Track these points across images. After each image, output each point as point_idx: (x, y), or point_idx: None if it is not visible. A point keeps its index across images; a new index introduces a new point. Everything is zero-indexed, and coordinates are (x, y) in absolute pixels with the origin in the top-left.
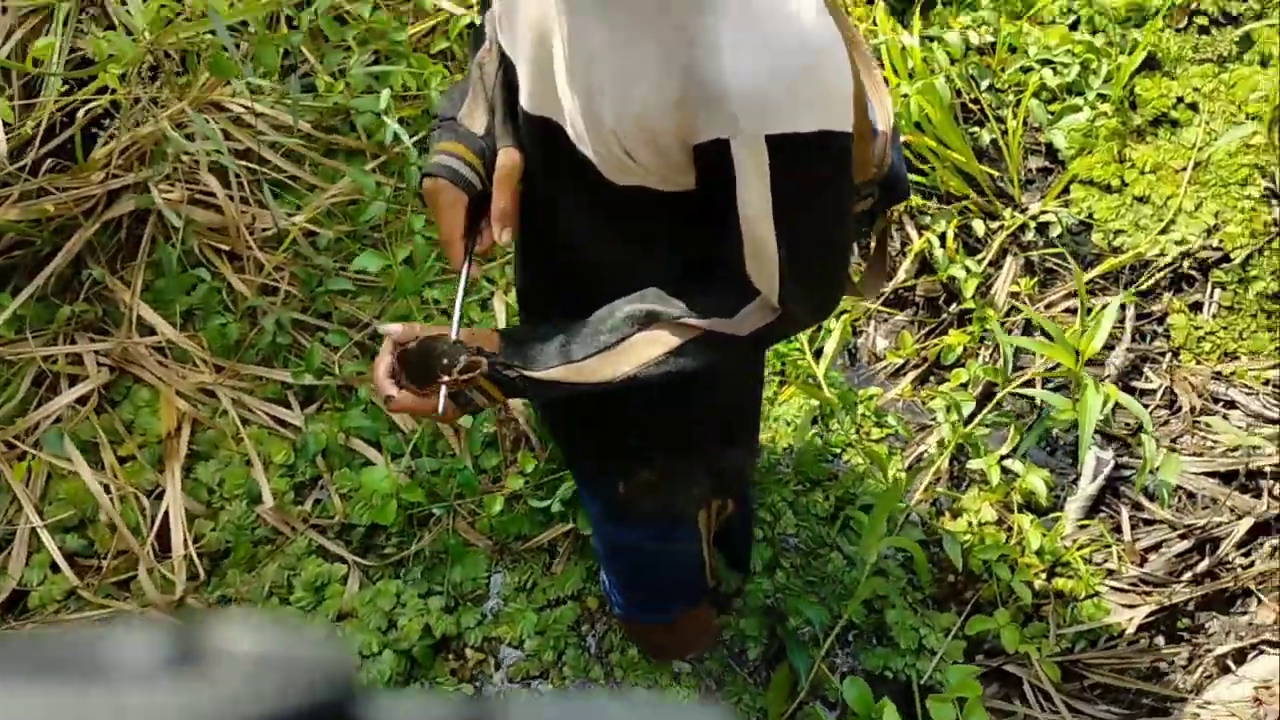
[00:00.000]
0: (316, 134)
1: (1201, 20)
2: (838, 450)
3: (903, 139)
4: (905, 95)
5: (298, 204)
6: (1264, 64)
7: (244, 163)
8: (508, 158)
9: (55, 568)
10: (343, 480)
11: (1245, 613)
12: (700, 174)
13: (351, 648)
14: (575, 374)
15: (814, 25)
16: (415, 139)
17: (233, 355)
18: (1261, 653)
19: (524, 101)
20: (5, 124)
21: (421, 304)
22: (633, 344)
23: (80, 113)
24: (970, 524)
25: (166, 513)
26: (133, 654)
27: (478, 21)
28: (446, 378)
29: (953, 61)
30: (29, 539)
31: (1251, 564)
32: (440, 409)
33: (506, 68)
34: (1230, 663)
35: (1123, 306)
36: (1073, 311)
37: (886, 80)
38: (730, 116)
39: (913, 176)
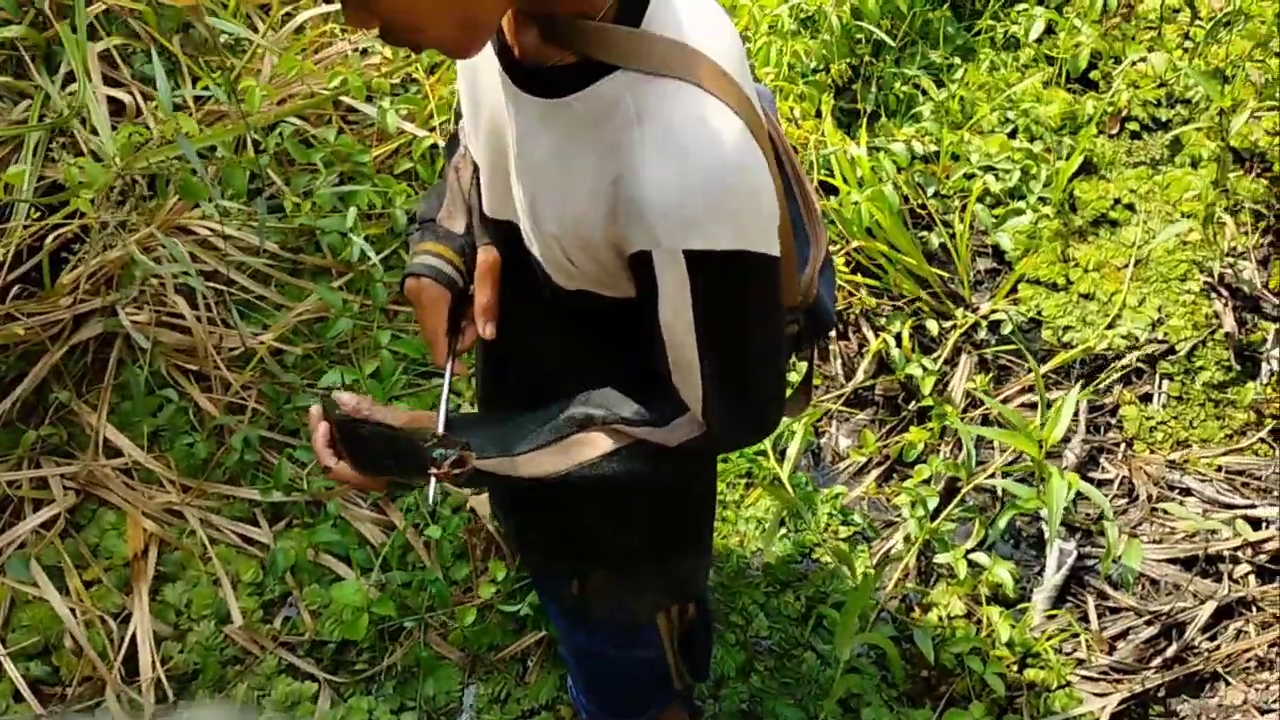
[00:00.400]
0: (283, 254)
1: (1133, 126)
2: (806, 550)
3: (856, 244)
4: (856, 202)
5: (265, 323)
6: (1195, 165)
7: (211, 284)
8: (488, 254)
9: (18, 696)
10: (312, 596)
11: (1215, 695)
12: (635, 284)
13: None
14: (510, 467)
15: (735, 147)
16: (381, 256)
17: (200, 474)
18: None
19: (485, 204)
20: None
21: None
22: (569, 444)
23: (49, 238)
24: (940, 618)
25: (134, 636)
26: None
27: (452, 130)
28: (436, 470)
29: (899, 170)
30: None
31: (1218, 647)
32: (431, 498)
33: (478, 171)
34: None
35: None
36: (1029, 406)
37: (835, 192)
38: (650, 229)
39: (867, 280)
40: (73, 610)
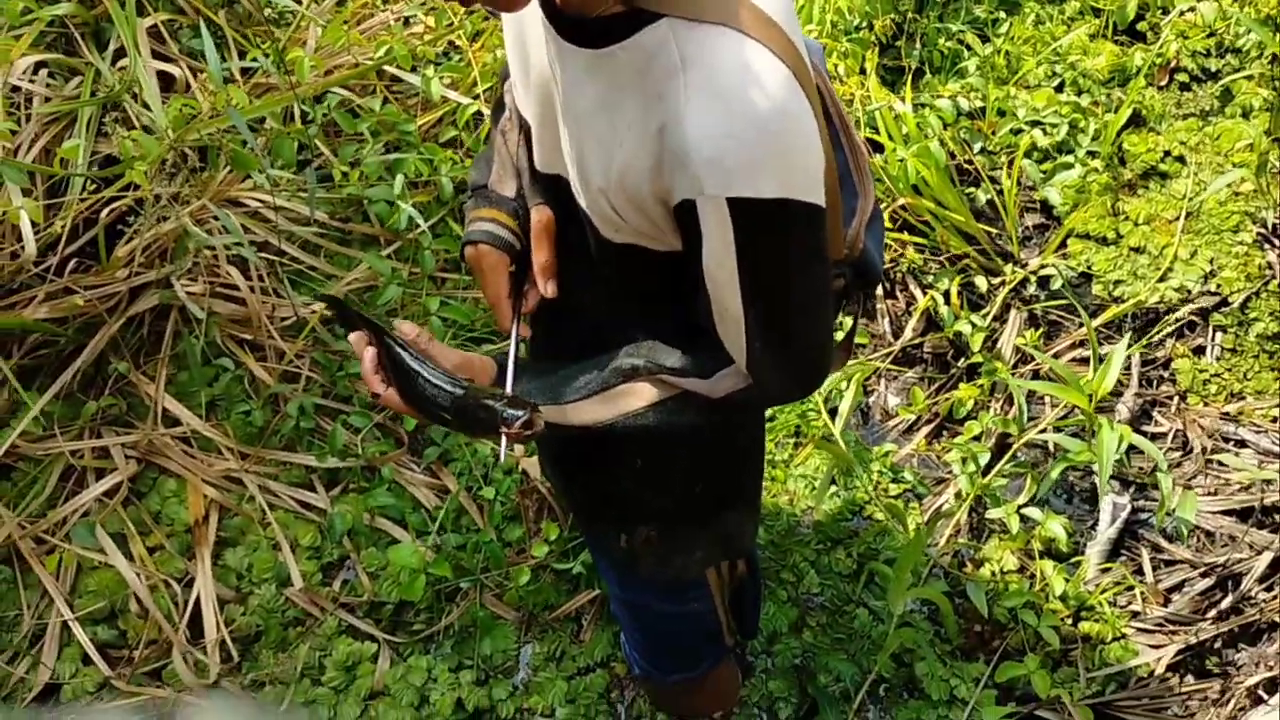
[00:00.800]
0: (332, 224)
1: (1182, 77)
2: (857, 508)
3: (902, 201)
4: (902, 159)
5: (316, 292)
6: (1246, 115)
7: (263, 254)
8: (541, 213)
9: (87, 659)
10: (370, 559)
11: (1273, 644)
12: (681, 236)
13: None
14: (558, 415)
15: (780, 94)
16: (429, 224)
17: (257, 442)
18: None
19: (536, 159)
20: (33, 224)
21: None
22: (615, 394)
23: (104, 212)
24: (993, 573)
25: (197, 599)
26: None
27: (497, 94)
28: (508, 430)
29: (945, 126)
30: (60, 633)
31: (1275, 597)
32: (503, 457)
33: (527, 130)
34: (1262, 693)
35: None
36: (1081, 361)
37: (882, 148)
38: (694, 178)
39: (915, 238)
40: (137, 575)
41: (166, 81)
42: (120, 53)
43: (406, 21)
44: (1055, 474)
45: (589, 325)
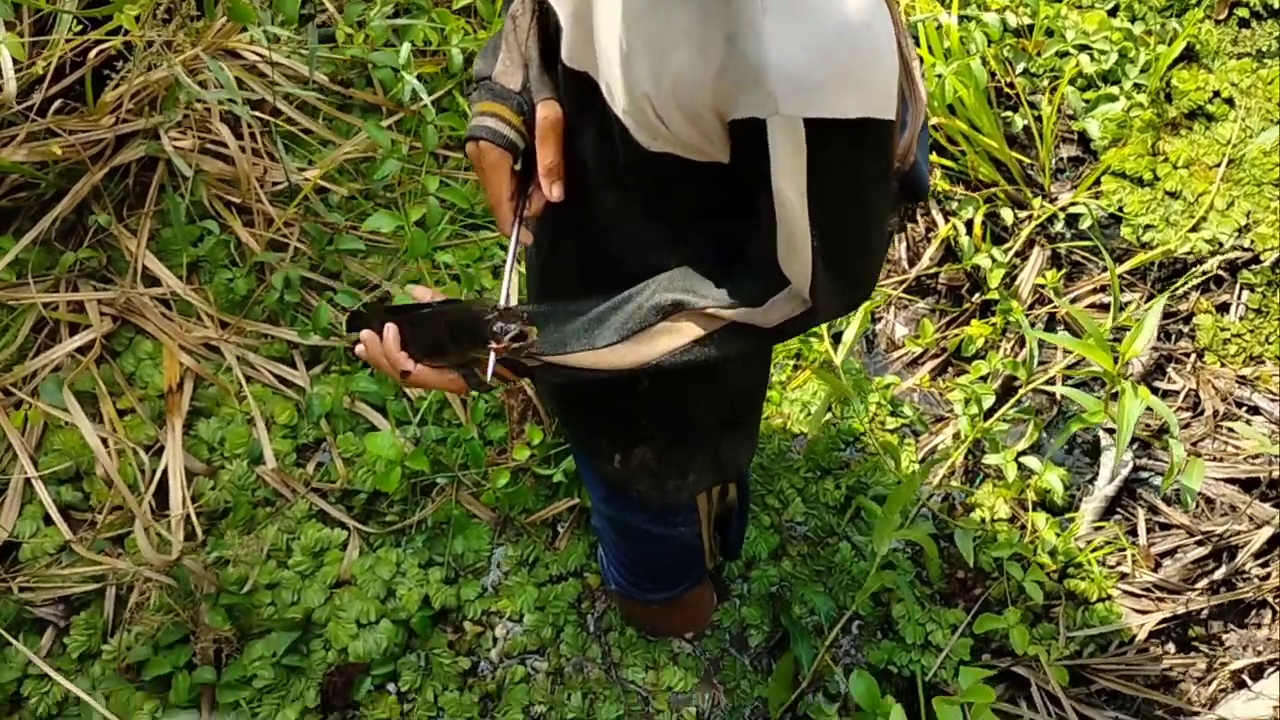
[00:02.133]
0: (332, 87)
1: (1242, 13)
2: (851, 438)
3: (935, 122)
4: (940, 76)
5: (310, 159)
6: None
7: (257, 113)
8: (549, 110)
9: (48, 520)
10: (346, 445)
11: (1261, 625)
12: (734, 150)
13: (349, 614)
14: (595, 360)
15: (864, 6)
16: (434, 97)
17: (238, 311)
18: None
19: (563, 53)
20: (15, 61)
21: (433, 268)
22: (656, 333)
23: (92, 54)
24: (983, 520)
25: (165, 469)
26: None
27: None
28: (496, 344)
29: (989, 43)
30: (22, 489)
31: (1269, 576)
32: (489, 375)
33: (543, 17)
34: (1246, 678)
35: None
36: (1099, 307)
37: (921, 60)
38: (768, 95)
39: (943, 160)
40: (104, 439)
41: None
42: None
43: None
44: (1065, 437)
45: (610, 244)
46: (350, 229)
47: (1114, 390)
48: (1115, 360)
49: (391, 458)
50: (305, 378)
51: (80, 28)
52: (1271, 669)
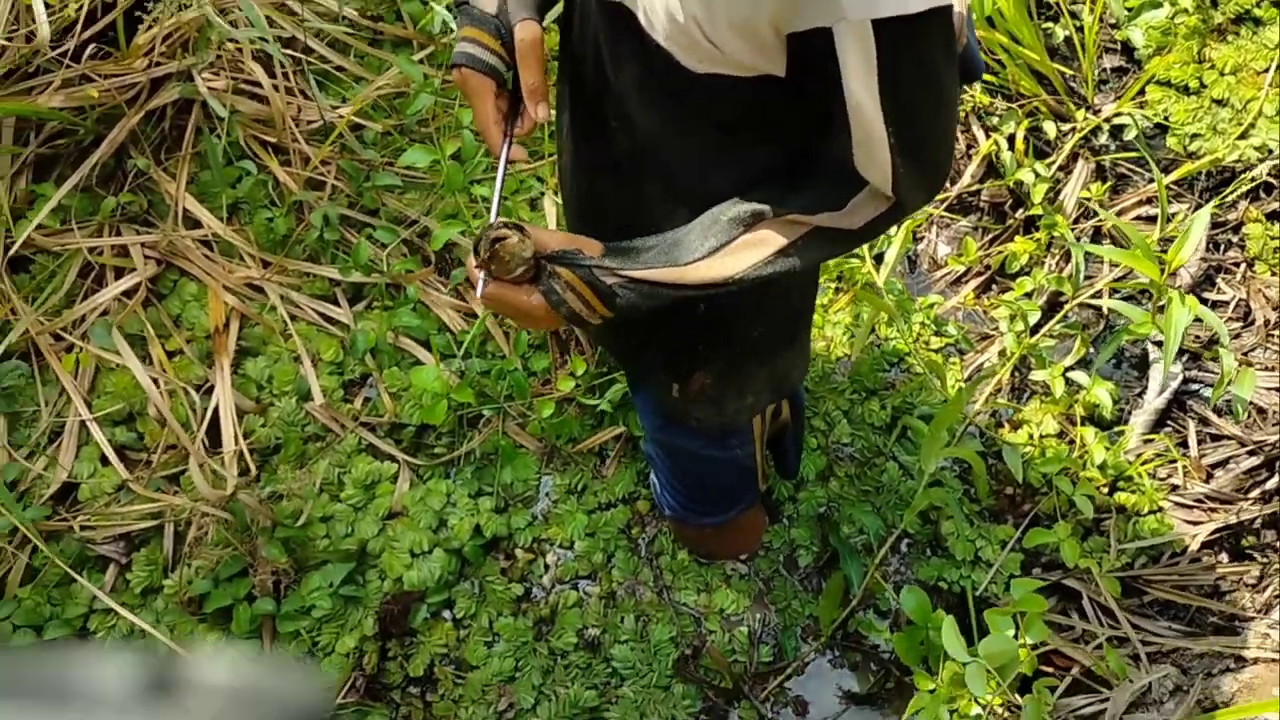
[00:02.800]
0: (363, 22)
1: None
2: (895, 359)
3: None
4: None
5: (343, 96)
6: None
7: (288, 51)
8: (526, 32)
9: (105, 460)
10: (392, 379)
11: None
12: (795, 62)
13: (403, 544)
14: (679, 276)
15: None
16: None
17: (279, 250)
18: None
19: None
20: (48, 5)
21: (470, 201)
22: (740, 244)
23: None
24: (1031, 436)
25: (216, 408)
26: (107, 682)
27: None
28: (476, 260)
29: None
30: (78, 432)
31: None
32: (479, 291)
33: None
34: None
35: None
36: (1147, 219)
37: None
38: (833, 2)
39: (987, 76)
40: (155, 380)
41: None
42: None
43: None
44: (1112, 348)
45: (656, 169)
46: (386, 165)
47: (1161, 301)
48: (1162, 270)
49: (437, 390)
50: (349, 314)
51: None
52: None
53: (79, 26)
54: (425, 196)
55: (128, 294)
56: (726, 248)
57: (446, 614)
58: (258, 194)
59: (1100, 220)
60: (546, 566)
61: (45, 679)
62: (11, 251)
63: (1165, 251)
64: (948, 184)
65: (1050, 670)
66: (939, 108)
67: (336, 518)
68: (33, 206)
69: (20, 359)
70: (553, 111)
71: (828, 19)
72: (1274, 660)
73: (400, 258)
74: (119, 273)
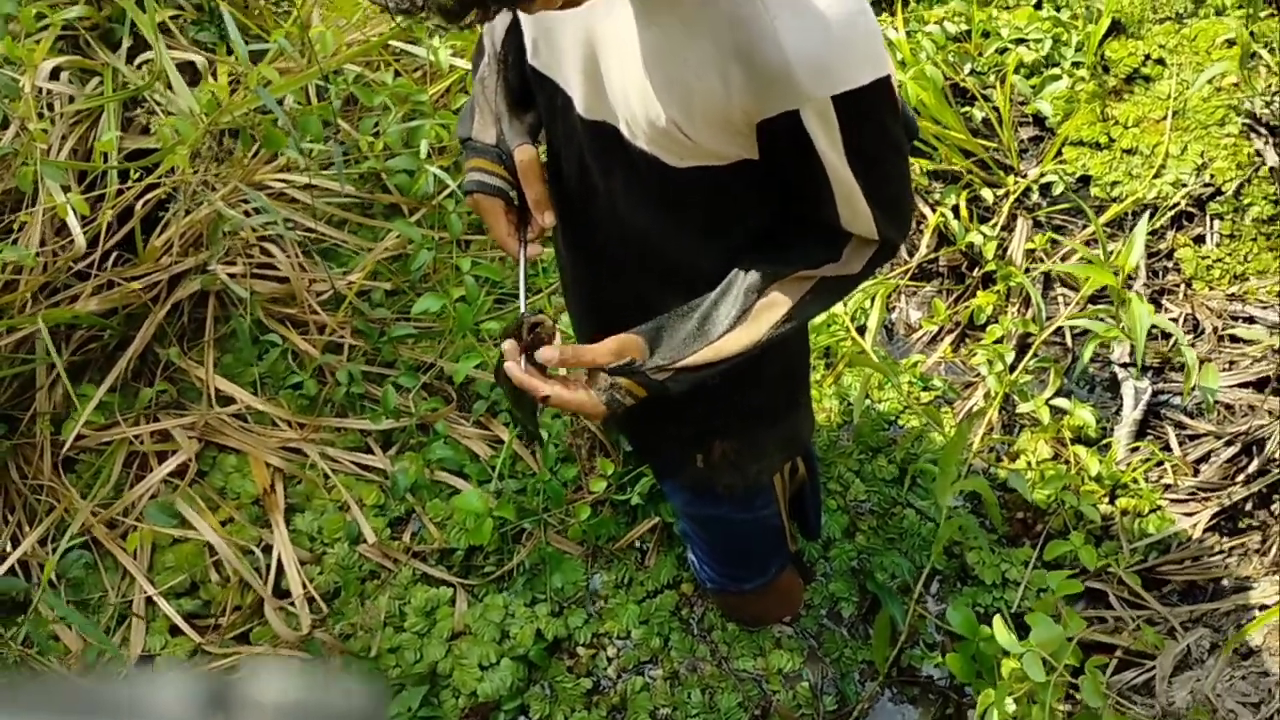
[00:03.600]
0: (359, 196)
1: None
2: (892, 418)
3: None
4: (899, 83)
5: (344, 268)
6: (1220, 14)
7: (293, 233)
8: (524, 154)
9: (174, 631)
10: (435, 510)
11: None
12: (767, 144)
13: (471, 660)
14: (716, 352)
15: None
16: (454, 187)
17: (311, 411)
18: None
19: (579, 109)
20: (81, 216)
21: (479, 341)
22: (759, 309)
23: (138, 204)
24: (1029, 463)
25: (278, 561)
26: (165, 700)
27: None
28: (516, 343)
29: (938, 48)
30: (145, 609)
31: None
32: (520, 369)
33: (508, 73)
34: None
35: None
36: (1088, 261)
37: None
38: (796, 88)
39: (918, 160)
40: (211, 547)
41: (184, 73)
42: (132, 51)
43: None
44: (1087, 355)
45: (657, 262)
46: (398, 319)
47: (1120, 310)
48: (1117, 275)
49: (480, 511)
50: (384, 460)
51: (120, 183)
52: None
53: (102, 235)
54: (437, 343)
55: (175, 474)
56: (748, 315)
57: (523, 719)
58: (280, 366)
59: (1049, 267)
60: (609, 659)
61: (104, 698)
62: (64, 451)
63: (1115, 276)
64: (908, 257)
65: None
66: (898, 158)
67: (404, 646)
68: (69, 414)
69: (82, 549)
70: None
71: (793, 104)
72: None
73: (423, 399)
74: (161, 457)
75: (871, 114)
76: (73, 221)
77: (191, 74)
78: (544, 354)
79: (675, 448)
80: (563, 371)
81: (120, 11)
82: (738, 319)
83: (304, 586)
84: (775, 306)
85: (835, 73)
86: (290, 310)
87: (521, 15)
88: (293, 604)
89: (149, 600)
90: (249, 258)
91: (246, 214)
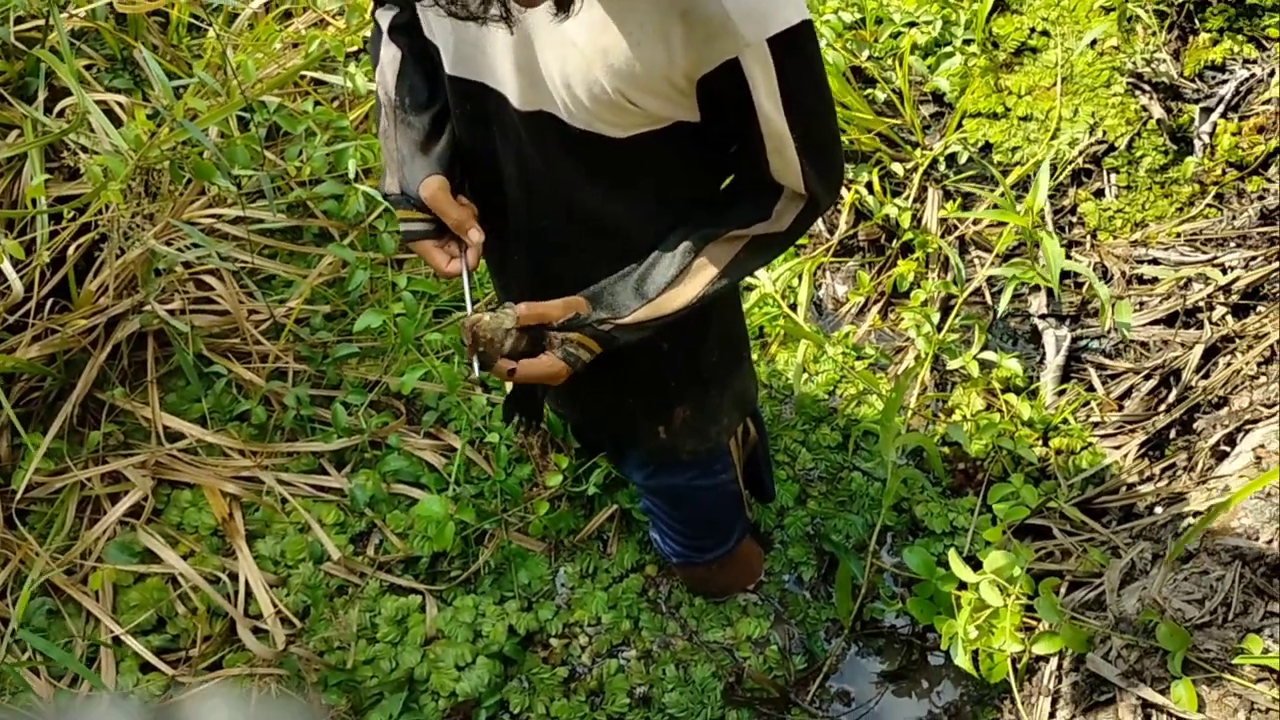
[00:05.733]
0: (292, 222)
1: None
2: (831, 388)
3: None
4: None
5: (281, 296)
6: None
7: (226, 264)
8: (427, 189)
9: (145, 668)
10: (395, 521)
11: (1223, 408)
12: (706, 102)
13: (447, 662)
14: (655, 310)
15: None
16: (378, 213)
17: (262, 438)
18: (1248, 431)
19: (515, 103)
20: (15, 261)
21: (422, 354)
22: (694, 269)
23: (71, 248)
24: (964, 416)
25: (244, 587)
26: None
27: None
28: (467, 350)
29: (838, 36)
30: (114, 650)
31: (1206, 376)
32: (473, 373)
33: (408, 118)
34: (1224, 447)
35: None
36: (998, 224)
37: None
38: (735, 35)
39: None
40: (175, 579)
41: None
42: (48, 102)
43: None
44: (1007, 298)
45: (608, 239)
46: (339, 341)
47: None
48: (1028, 215)
49: (440, 516)
50: (340, 479)
51: (52, 227)
52: (1242, 434)
53: (37, 283)
54: (381, 360)
55: (130, 514)
56: (684, 275)
57: (505, 715)
58: (226, 398)
59: (962, 231)
60: (582, 646)
61: None
62: (15, 502)
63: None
64: (829, 234)
65: None
66: (827, 106)
67: (379, 656)
68: (16, 466)
69: (43, 596)
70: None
71: (733, 51)
72: (1224, 500)
73: (372, 414)
74: (114, 499)
75: (802, 52)
76: (8, 268)
77: (112, 119)
78: (518, 309)
79: (638, 422)
80: None
81: (34, 65)
82: (674, 278)
83: (274, 605)
84: (709, 266)
85: (769, 16)
86: (232, 341)
87: (435, 27)
88: (265, 624)
89: (117, 640)
90: (185, 293)
91: (180, 250)
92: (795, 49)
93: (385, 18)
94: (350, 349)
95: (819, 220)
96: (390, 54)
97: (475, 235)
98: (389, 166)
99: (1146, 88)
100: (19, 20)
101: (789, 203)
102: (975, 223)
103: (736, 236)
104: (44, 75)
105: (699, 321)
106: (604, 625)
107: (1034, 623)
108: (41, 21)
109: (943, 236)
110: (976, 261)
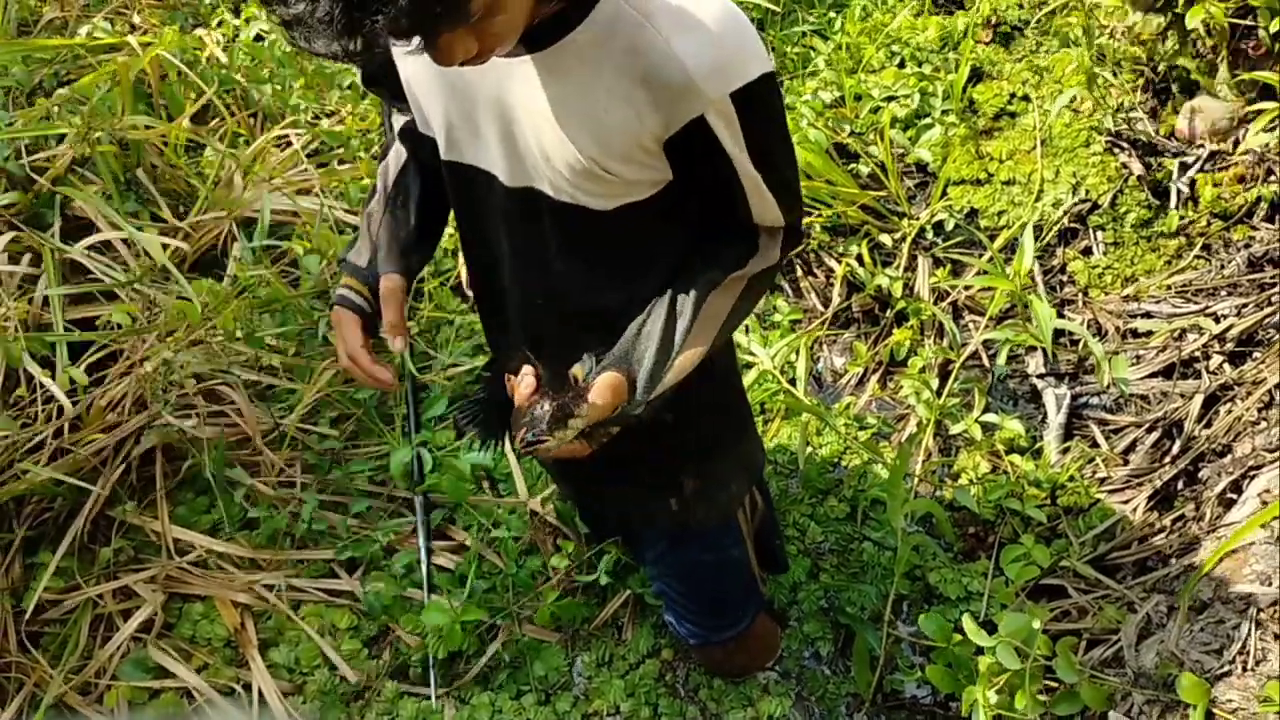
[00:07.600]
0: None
1: (1005, 29)
2: (835, 460)
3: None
4: None
5: (284, 404)
6: (1069, 45)
7: (224, 384)
8: (389, 283)
9: None
10: (410, 623)
11: (1227, 455)
12: (678, 160)
13: None
14: (677, 374)
15: (725, 2)
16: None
17: (273, 547)
18: (1253, 477)
19: (504, 180)
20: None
21: (436, 460)
22: (702, 319)
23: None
24: (971, 479)
25: (258, 696)
26: None
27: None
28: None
29: (818, 115)
30: None
31: (1208, 424)
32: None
33: (397, 213)
34: (1231, 495)
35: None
36: (990, 289)
37: None
38: (699, 94)
39: (817, 218)
40: (189, 693)
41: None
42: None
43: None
44: (1003, 358)
45: (592, 315)
46: (346, 448)
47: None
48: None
49: (444, 622)
50: (352, 584)
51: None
52: (1245, 480)
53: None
54: (386, 461)
55: (142, 629)
56: (695, 327)
57: None
58: (233, 510)
59: (955, 297)
60: None
61: None
62: (25, 622)
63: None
64: (823, 307)
65: None
66: (786, 147)
67: None
68: (27, 587)
69: (59, 717)
70: (409, 342)
71: (698, 110)
72: (1238, 550)
73: (381, 518)
74: (126, 615)
75: (764, 103)
76: (55, 389)
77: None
78: (581, 411)
79: (649, 496)
80: None
81: (47, 196)
82: (688, 328)
83: (289, 715)
84: (717, 314)
85: (729, 72)
86: (242, 452)
87: (430, 115)
88: None
89: None
90: (194, 408)
91: (183, 366)
92: (759, 100)
93: (399, 121)
94: (361, 466)
95: (813, 293)
96: (397, 152)
97: (399, 344)
98: (362, 240)
99: (1124, 145)
100: (30, 151)
101: (772, 234)
102: (967, 288)
103: (738, 279)
104: (58, 205)
105: (702, 385)
106: (623, 713)
107: (1054, 684)
108: (52, 152)
109: (935, 303)
110: (971, 325)
